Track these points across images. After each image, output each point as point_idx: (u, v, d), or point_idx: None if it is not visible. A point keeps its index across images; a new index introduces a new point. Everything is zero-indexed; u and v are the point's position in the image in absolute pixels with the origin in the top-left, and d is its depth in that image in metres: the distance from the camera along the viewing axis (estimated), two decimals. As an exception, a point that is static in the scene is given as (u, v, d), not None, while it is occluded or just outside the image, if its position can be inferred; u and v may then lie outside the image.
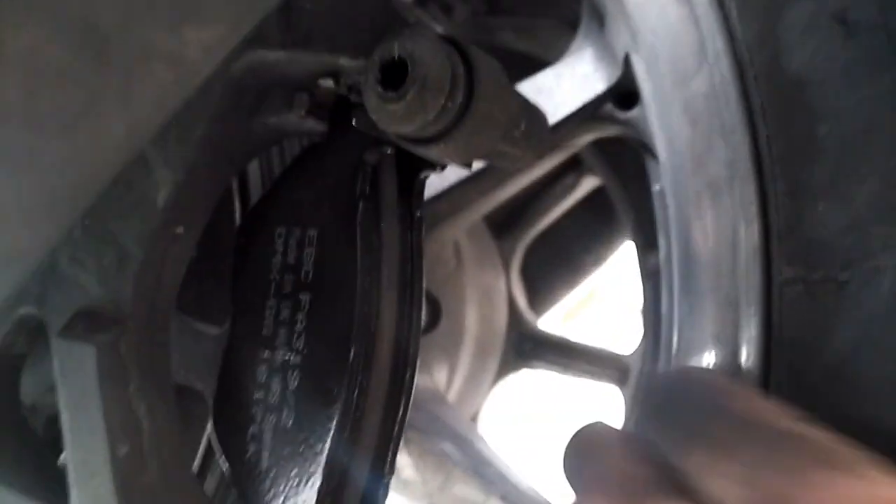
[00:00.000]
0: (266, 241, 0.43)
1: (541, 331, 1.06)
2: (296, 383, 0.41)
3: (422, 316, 0.44)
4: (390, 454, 0.43)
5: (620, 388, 0.98)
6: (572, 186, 1.03)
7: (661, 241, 0.59)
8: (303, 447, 0.40)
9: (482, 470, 0.71)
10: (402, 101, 0.32)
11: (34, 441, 0.51)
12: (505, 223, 1.05)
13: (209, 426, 0.50)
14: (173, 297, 0.44)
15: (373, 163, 0.40)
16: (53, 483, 0.47)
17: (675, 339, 0.46)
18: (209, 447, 0.50)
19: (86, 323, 0.42)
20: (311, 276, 0.41)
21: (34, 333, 0.55)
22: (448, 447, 0.71)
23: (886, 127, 0.34)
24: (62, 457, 0.54)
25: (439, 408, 0.78)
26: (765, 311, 0.39)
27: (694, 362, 0.43)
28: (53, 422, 0.62)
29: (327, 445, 0.40)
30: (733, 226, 0.40)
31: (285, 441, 0.41)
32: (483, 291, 0.95)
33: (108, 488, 0.39)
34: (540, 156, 0.41)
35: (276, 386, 0.42)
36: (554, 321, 1.16)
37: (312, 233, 0.41)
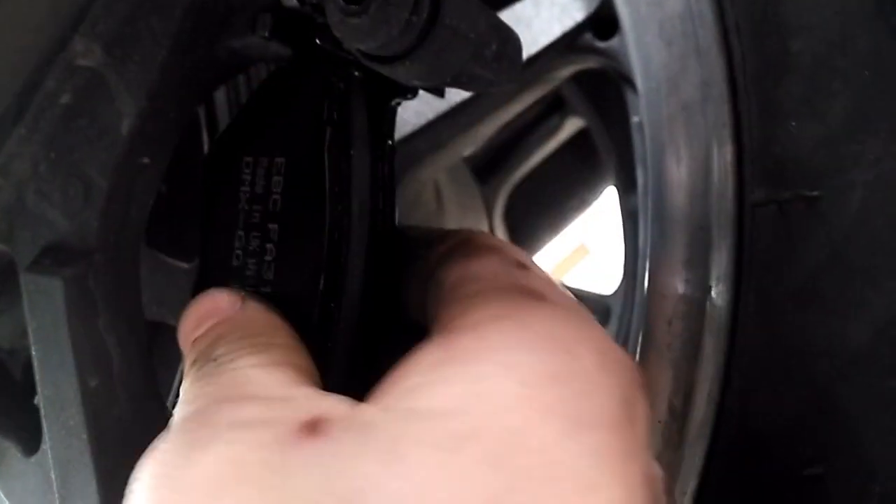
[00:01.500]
0: (234, 171, 0.42)
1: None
2: (266, 313, 0.41)
3: (394, 248, 0.43)
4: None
5: (603, 327, 0.98)
6: (556, 128, 1.02)
7: (639, 174, 0.59)
8: (275, 376, 0.40)
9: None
10: (364, 16, 0.31)
11: (12, 384, 0.51)
12: (488, 167, 1.04)
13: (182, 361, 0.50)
14: (141, 230, 0.43)
15: (341, 88, 0.39)
16: (32, 424, 0.47)
17: (647, 267, 0.46)
18: (181, 384, 0.50)
19: (53, 257, 0.42)
20: (279, 205, 0.41)
21: (6, 272, 0.54)
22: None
23: (859, 41, 0.34)
24: (38, 397, 0.54)
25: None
26: (736, 234, 0.38)
27: (664, 289, 0.43)
28: (31, 366, 0.62)
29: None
30: (706, 148, 0.39)
31: (257, 371, 0.41)
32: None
33: (78, 420, 0.39)
34: (512, 80, 0.41)
35: (246, 317, 0.41)
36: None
37: (280, 161, 0.41)
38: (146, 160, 0.42)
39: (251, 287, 0.41)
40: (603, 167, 1.05)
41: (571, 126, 1.02)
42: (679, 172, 0.42)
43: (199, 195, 0.47)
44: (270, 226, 0.41)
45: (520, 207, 1.09)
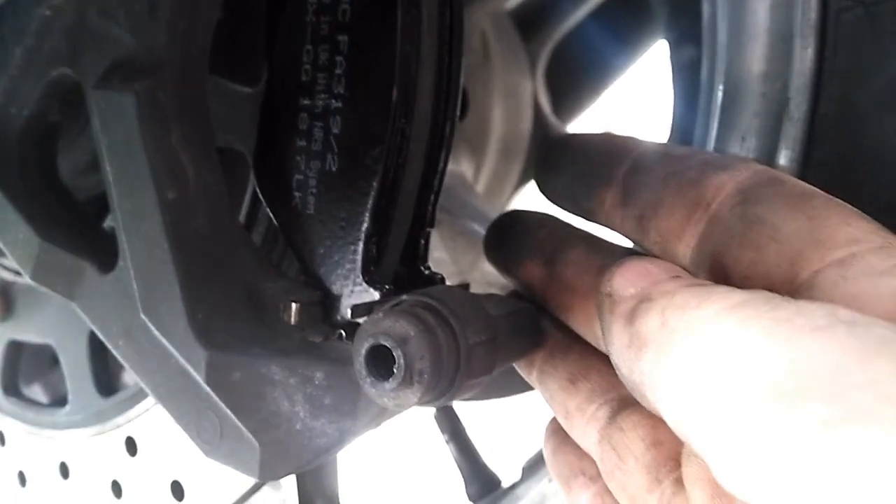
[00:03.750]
0: (299, -18, 0.41)
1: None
2: (338, 128, 0.41)
3: (461, 66, 0.43)
4: (431, 205, 0.44)
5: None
6: (603, -21, 0.98)
7: (705, 5, 0.56)
8: (349, 190, 0.41)
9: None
10: None
11: (79, 206, 0.53)
12: (531, 22, 1.01)
13: (251, 182, 0.51)
14: (207, 47, 0.43)
15: None
16: (102, 244, 0.49)
17: (718, 94, 0.45)
18: (252, 205, 0.51)
19: (121, 73, 0.42)
20: (348, 14, 0.40)
21: (68, 98, 0.55)
22: (478, 228, 0.72)
23: None
24: (107, 220, 0.55)
25: (468, 194, 0.79)
26: (819, 40, 0.37)
27: (739, 107, 0.42)
28: (93, 201, 0.63)
29: (373, 188, 0.40)
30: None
31: (331, 185, 0.41)
32: (509, 90, 0.93)
33: (158, 230, 0.40)
34: None
35: (318, 132, 0.42)
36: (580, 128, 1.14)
37: (348, -31, 0.40)
38: (210, -28, 0.41)
39: (322, 101, 0.41)
40: (651, 22, 1.01)
41: (619, -22, 0.98)
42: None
43: (258, 18, 0.47)
44: (340, 37, 0.40)
45: (563, 66, 1.06)
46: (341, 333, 0.41)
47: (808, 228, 0.32)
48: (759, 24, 0.40)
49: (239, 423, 0.39)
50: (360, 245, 0.41)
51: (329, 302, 0.42)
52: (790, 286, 0.31)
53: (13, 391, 0.69)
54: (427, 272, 0.44)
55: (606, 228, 0.43)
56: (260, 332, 0.41)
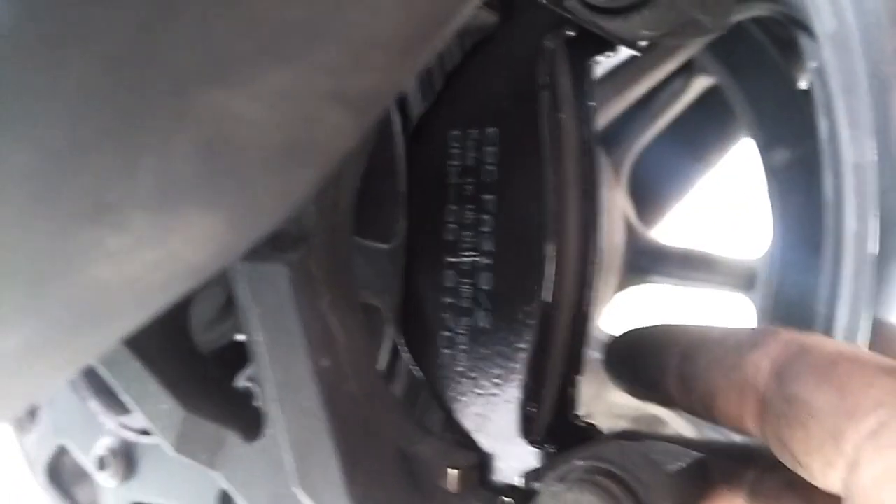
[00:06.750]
0: (440, 147, 0.42)
1: (655, 242, 1.03)
2: (488, 284, 0.41)
3: (600, 208, 0.42)
4: (581, 352, 0.43)
5: (747, 295, 0.95)
6: (682, 90, 0.99)
7: (822, 121, 0.56)
8: (503, 346, 0.40)
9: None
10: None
11: (215, 370, 0.53)
12: (613, 135, 1.02)
13: (389, 337, 0.50)
14: (351, 212, 0.43)
15: (552, 48, 0.39)
16: (243, 411, 0.49)
17: (872, 220, 0.44)
18: (391, 361, 0.51)
19: (271, 244, 0.43)
20: (494, 175, 0.40)
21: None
22: (595, 353, 0.70)
23: None
24: (241, 379, 0.55)
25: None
26: None
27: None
28: (219, 353, 0.64)
29: (529, 343, 0.39)
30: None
31: (483, 342, 0.41)
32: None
33: (315, 400, 0.40)
34: (724, 26, 0.39)
35: (466, 289, 0.41)
36: (668, 232, 1.13)
37: (492, 131, 0.40)
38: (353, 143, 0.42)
39: (469, 258, 0.41)
40: (733, 125, 1.01)
41: (699, 86, 0.99)
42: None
43: (392, 178, 0.48)
44: (486, 196, 0.41)
45: (645, 174, 1.06)
46: (505, 501, 0.39)
47: (838, 400, 0.33)
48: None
49: None
50: (517, 402, 0.40)
51: (484, 463, 0.41)
52: (842, 460, 0.32)
53: (136, 554, 0.68)
54: (581, 423, 0.42)
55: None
56: (418, 501, 0.40)
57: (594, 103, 0.42)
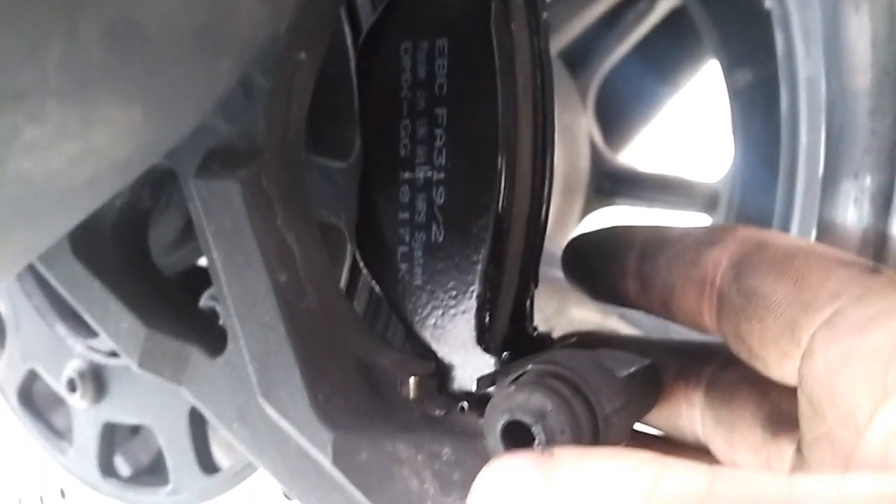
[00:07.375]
0: (391, 59, 0.42)
1: (621, 166, 1.04)
2: (442, 199, 0.41)
3: (554, 126, 0.43)
4: (535, 264, 0.44)
5: (710, 216, 0.96)
6: (646, 11, 0.98)
7: (778, 38, 0.56)
8: (458, 259, 0.41)
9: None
10: None
11: (175, 289, 0.53)
12: (578, 58, 1.01)
13: (349, 255, 0.51)
14: (302, 128, 0.43)
15: (501, -41, 0.38)
16: (205, 328, 0.49)
17: (821, 133, 0.44)
18: (350, 277, 0.51)
19: (221, 161, 0.42)
20: (445, 88, 0.40)
21: (158, 186, 0.56)
22: (555, 272, 0.71)
23: None
24: (203, 299, 0.56)
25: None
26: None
27: (848, 145, 0.41)
28: (182, 275, 0.64)
29: (483, 255, 0.40)
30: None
31: (439, 256, 0.41)
32: (564, 129, 0.93)
33: (273, 315, 0.40)
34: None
35: (421, 204, 0.42)
36: (632, 155, 1.13)
37: (442, 43, 0.40)
38: (303, 56, 0.41)
39: (423, 173, 0.41)
40: (700, 46, 1.01)
41: (664, 6, 0.98)
42: (859, 19, 0.40)
43: (342, 93, 0.47)
44: (438, 110, 0.41)
45: (611, 97, 1.06)
46: (463, 406, 0.40)
47: (795, 292, 0.33)
48: (861, 60, 0.40)
49: (369, 504, 0.39)
50: (473, 313, 0.41)
51: (443, 372, 0.42)
52: (798, 352, 0.33)
53: (111, 472, 0.69)
54: (535, 333, 0.43)
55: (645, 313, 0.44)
56: (379, 408, 0.41)
57: (546, 14, 0.41)
